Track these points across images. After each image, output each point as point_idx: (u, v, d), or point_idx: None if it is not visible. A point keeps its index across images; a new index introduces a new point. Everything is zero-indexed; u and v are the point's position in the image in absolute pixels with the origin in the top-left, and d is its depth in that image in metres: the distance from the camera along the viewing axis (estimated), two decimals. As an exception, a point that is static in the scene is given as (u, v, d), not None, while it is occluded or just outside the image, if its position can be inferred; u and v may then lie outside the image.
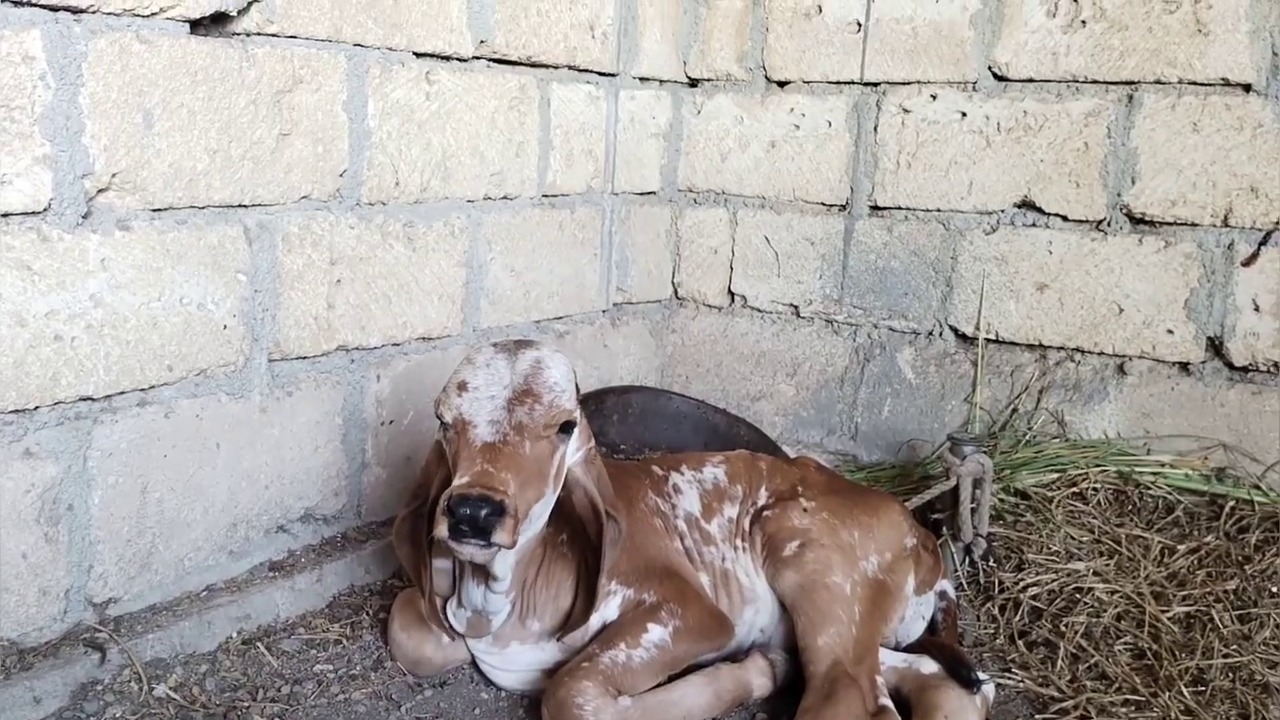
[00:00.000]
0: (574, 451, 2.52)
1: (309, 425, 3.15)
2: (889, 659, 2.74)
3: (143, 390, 2.69)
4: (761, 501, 3.07)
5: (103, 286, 2.55)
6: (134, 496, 2.70)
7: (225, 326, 2.85)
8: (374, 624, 2.97)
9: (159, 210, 2.67)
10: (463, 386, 2.36)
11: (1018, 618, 3.19)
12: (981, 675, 2.65)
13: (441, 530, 2.18)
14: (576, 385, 2.50)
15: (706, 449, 3.80)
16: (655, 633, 2.62)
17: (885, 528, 3.03)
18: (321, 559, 3.16)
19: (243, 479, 2.98)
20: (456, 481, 2.20)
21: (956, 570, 3.39)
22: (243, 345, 2.91)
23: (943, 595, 3.12)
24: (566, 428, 2.42)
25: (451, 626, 2.73)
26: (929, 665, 2.70)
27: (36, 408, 2.48)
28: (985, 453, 3.38)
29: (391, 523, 3.45)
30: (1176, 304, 3.68)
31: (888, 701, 2.58)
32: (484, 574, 2.54)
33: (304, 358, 3.10)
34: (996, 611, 3.25)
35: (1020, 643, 3.07)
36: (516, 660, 2.72)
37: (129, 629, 2.68)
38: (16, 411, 2.45)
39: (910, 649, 2.85)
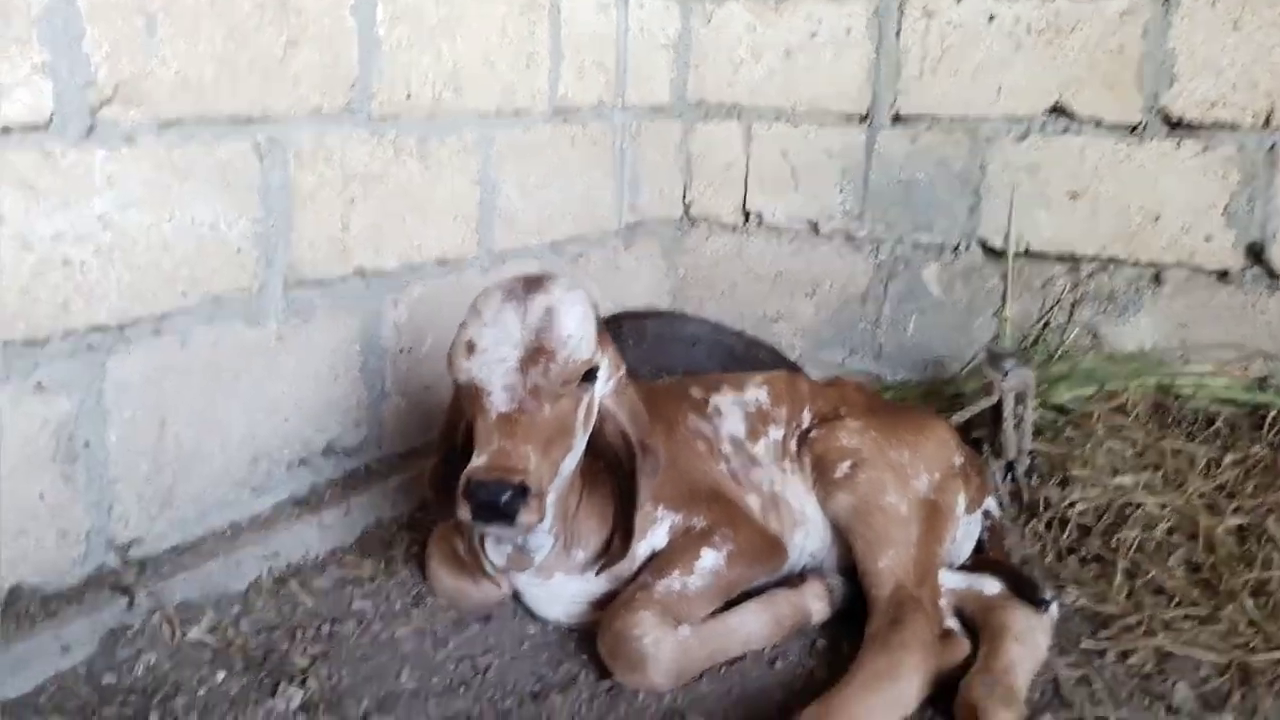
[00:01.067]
0: (603, 384, 2.38)
1: (327, 354, 2.99)
2: (948, 580, 2.64)
3: (157, 318, 2.51)
4: (806, 423, 2.95)
5: (110, 206, 2.36)
6: (152, 431, 2.54)
7: (239, 249, 2.67)
8: (408, 559, 2.84)
9: (166, 124, 2.47)
10: (471, 348, 2.20)
11: (1065, 535, 3.11)
12: (1049, 594, 2.57)
13: (464, 514, 2.08)
14: (598, 318, 2.36)
15: (724, 373, 3.67)
16: (709, 558, 2.51)
17: (933, 446, 2.92)
18: (347, 493, 3.02)
19: (261, 411, 2.82)
20: (474, 461, 2.10)
21: (997, 488, 3.30)
22: (257, 269, 2.73)
23: (987, 514, 3.03)
24: (589, 375, 2.28)
25: (491, 561, 2.62)
26: (992, 585, 2.61)
27: (47, 338, 2.31)
28: (1027, 366, 3.27)
29: (412, 455, 3.34)
30: (1215, 209, 3.56)
31: (953, 623, 2.50)
32: None
33: (320, 282, 2.93)
34: (1042, 529, 3.16)
35: (1071, 560, 2.99)
36: (562, 591, 2.61)
37: (154, 571, 2.54)
38: (26, 343, 2.28)
39: (970, 569, 2.76)
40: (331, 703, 2.25)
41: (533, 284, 2.27)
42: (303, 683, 2.29)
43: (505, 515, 2.05)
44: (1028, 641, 2.40)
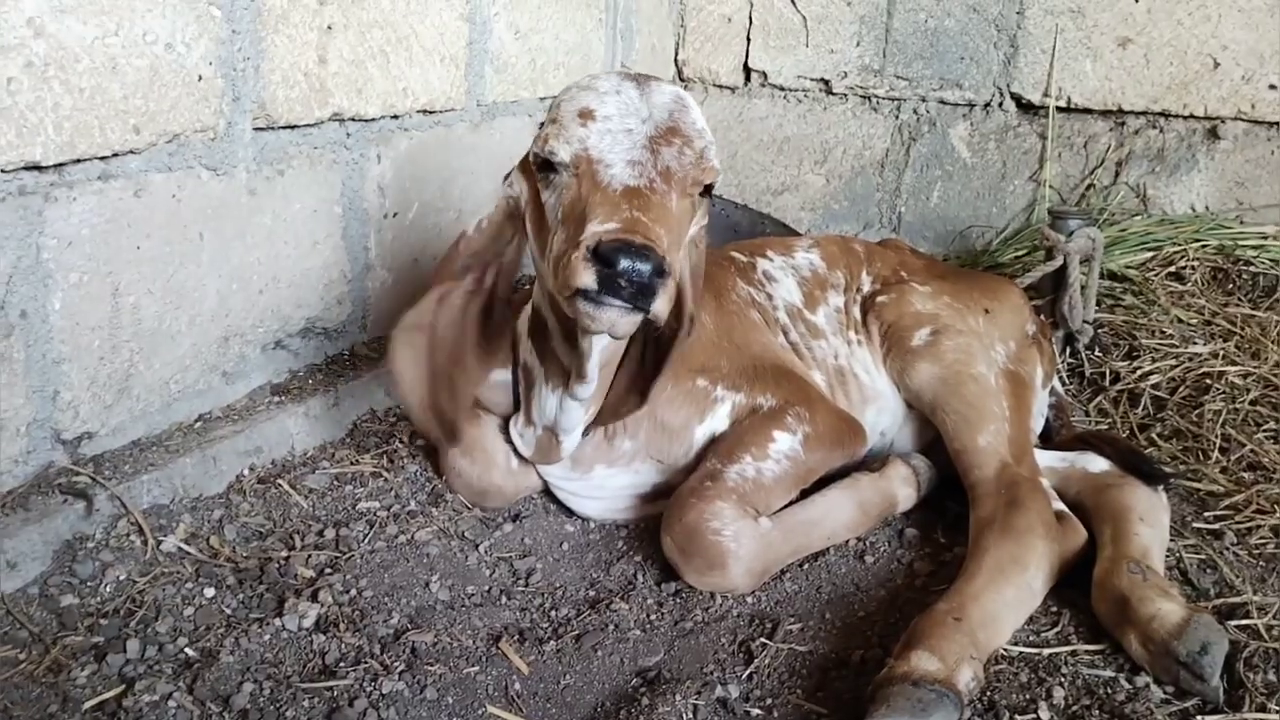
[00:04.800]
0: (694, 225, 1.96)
1: (305, 214, 2.52)
2: (1045, 459, 2.32)
3: (104, 159, 2.01)
4: (867, 288, 2.59)
5: (43, 9, 1.84)
6: (103, 300, 2.06)
7: (200, 77, 2.16)
8: (414, 453, 2.42)
9: (105, -91, 1.95)
10: (587, 115, 1.74)
11: (1139, 410, 2.81)
12: (1167, 468, 2.26)
13: (588, 278, 1.57)
14: None
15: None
16: (784, 441, 2.14)
17: (1007, 312, 2.59)
18: (333, 380, 2.57)
19: (233, 280, 2.35)
20: (599, 227, 1.60)
21: (1057, 362, 2.98)
22: (222, 105, 2.23)
23: (1051, 390, 2.72)
24: (708, 191, 1.86)
25: (517, 451, 2.23)
26: (1097, 462, 2.28)
27: (-34, 176, 1.81)
28: (1095, 225, 2.94)
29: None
30: (1282, 55, 3.24)
31: (1062, 506, 2.17)
32: (563, 378, 2.01)
33: (294, 127, 2.44)
34: (1109, 405, 2.86)
35: (1149, 436, 2.69)
36: (603, 486, 2.23)
37: (114, 470, 2.08)
38: (-61, 181, 1.78)
39: (1066, 446, 2.43)
40: (353, 619, 1.84)
41: (647, 76, 1.85)
42: (313, 596, 1.87)
43: (645, 291, 1.57)
44: (1154, 522, 2.09)
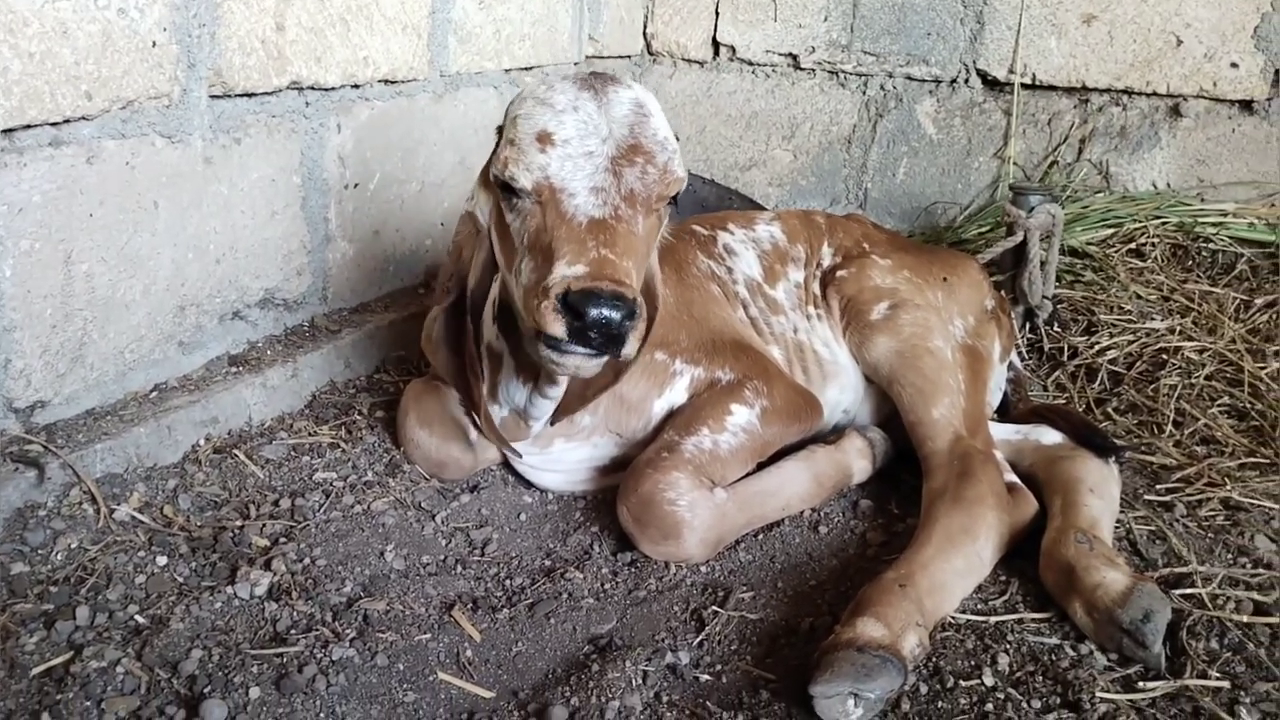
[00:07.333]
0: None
1: (263, 184, 2.50)
2: (998, 432, 2.34)
3: (55, 125, 1.99)
4: (827, 261, 2.59)
5: (-12, -30, 1.82)
6: (56, 268, 2.04)
7: (154, 43, 2.14)
8: (372, 424, 2.42)
9: None
10: (546, 138, 1.71)
11: (1095, 384, 2.84)
12: (1119, 441, 2.29)
13: (559, 329, 1.58)
14: None
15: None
16: (741, 415, 2.15)
17: (966, 287, 2.61)
18: (292, 351, 2.56)
19: (189, 249, 2.33)
20: (566, 271, 1.60)
21: (1015, 337, 3.01)
22: (177, 71, 2.21)
23: (1009, 365, 2.74)
24: (674, 200, 1.84)
25: (477, 424, 2.22)
26: (1050, 435, 2.31)
27: (-88, 140, 1.79)
28: (1056, 201, 2.95)
29: (363, 309, 2.89)
30: (1244, 32, 3.25)
31: (1014, 478, 2.19)
32: (534, 373, 2.00)
33: (252, 95, 2.42)
34: (1067, 379, 2.89)
35: (1105, 410, 2.72)
36: (563, 459, 2.24)
37: (67, 439, 2.07)
38: (-117, 145, 1.76)
39: (1021, 419, 2.46)
40: (305, 587, 1.84)
41: (603, 78, 1.80)
42: (267, 565, 1.87)
43: (615, 338, 1.59)
44: (1104, 494, 2.11)
